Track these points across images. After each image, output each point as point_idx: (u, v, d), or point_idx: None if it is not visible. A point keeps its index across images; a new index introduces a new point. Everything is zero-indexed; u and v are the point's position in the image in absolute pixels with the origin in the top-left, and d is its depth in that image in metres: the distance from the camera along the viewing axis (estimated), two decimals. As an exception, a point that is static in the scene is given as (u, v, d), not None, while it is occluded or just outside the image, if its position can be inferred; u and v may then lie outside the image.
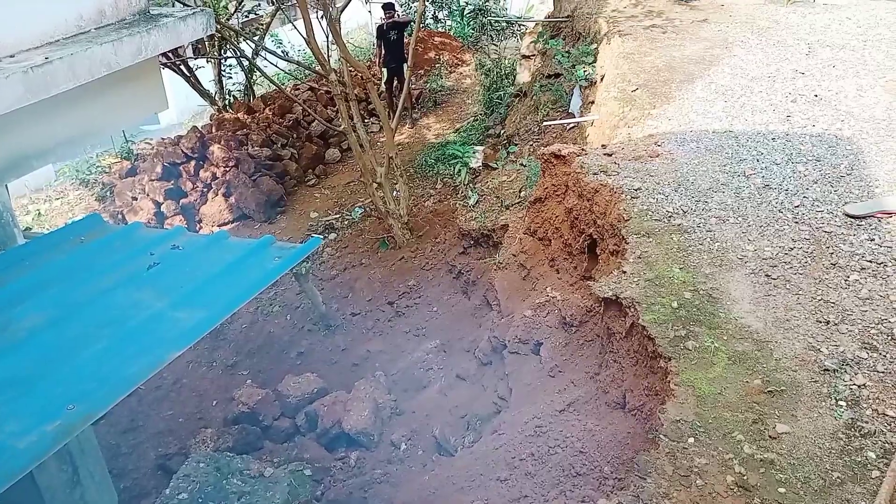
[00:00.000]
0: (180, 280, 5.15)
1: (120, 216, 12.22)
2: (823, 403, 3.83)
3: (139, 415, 9.02)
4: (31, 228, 11.25)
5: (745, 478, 3.45)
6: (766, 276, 4.81)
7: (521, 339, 6.70)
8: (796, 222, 5.32)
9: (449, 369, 8.79)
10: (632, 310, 4.74)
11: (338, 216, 12.28)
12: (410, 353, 9.59)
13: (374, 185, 10.73)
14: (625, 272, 5.05)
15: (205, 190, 12.44)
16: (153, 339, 4.49)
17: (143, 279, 5.14)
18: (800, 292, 4.63)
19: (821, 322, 4.37)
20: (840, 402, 3.81)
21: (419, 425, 8.09)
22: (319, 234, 12.16)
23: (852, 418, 3.71)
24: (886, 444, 3.55)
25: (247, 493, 3.47)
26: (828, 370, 4.01)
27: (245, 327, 11.00)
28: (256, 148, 12.71)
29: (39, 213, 12.71)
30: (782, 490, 3.39)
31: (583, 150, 6.86)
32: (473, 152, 11.74)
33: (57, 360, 4.24)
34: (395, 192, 11.05)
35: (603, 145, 7.05)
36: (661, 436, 3.73)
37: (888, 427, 3.64)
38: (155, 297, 4.92)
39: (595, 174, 6.27)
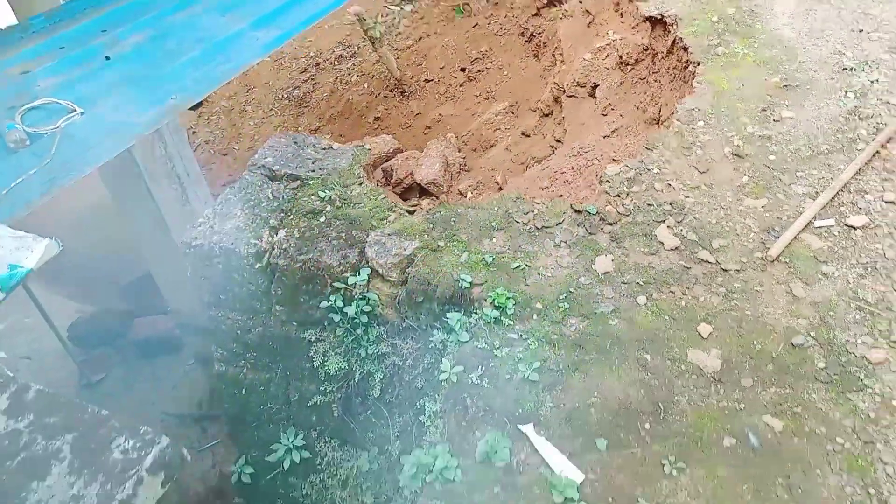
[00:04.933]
0: (257, 7, 5.93)
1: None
2: (833, 96, 4.28)
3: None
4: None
5: (741, 149, 4.06)
6: (814, -8, 5.02)
7: (578, 83, 7.19)
8: (861, -58, 5.34)
9: (515, 129, 9.45)
10: (673, 26, 5.13)
11: (414, -14, 12.45)
12: (480, 115, 10.24)
13: (450, -54, 10.78)
14: (673, -7, 5.35)
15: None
16: (237, 50, 5.40)
17: (225, 6, 5.93)
18: (842, 6, 4.86)
19: (854, 31, 4.66)
20: (849, 94, 4.25)
21: (484, 177, 8.97)
22: (395, 5, 12.47)
23: (856, 106, 4.17)
24: (880, 125, 4.02)
25: (319, 158, 4.41)
26: (846, 69, 4.40)
27: (326, 95, 11.88)
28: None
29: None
30: (772, 157, 3.99)
31: None
32: None
33: (159, 66, 5.24)
34: (471, -44, 11.07)
35: None
36: (674, 120, 4.33)
37: (887, 112, 4.09)
38: (236, 21, 5.77)
39: None
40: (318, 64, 12.59)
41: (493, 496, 2.86)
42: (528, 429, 3.07)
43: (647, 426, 3.04)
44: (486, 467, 2.96)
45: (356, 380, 3.98)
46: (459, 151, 9.94)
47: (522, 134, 9.13)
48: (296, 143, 4.55)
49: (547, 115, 8.35)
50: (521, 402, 3.15)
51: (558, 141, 7.57)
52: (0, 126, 4.41)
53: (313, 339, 3.99)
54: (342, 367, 3.94)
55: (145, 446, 2.31)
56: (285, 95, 12.46)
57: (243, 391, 4.33)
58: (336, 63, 12.46)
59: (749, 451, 2.92)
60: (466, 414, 3.16)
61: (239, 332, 4.17)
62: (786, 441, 2.94)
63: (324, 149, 4.55)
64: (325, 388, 4.09)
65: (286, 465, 4.19)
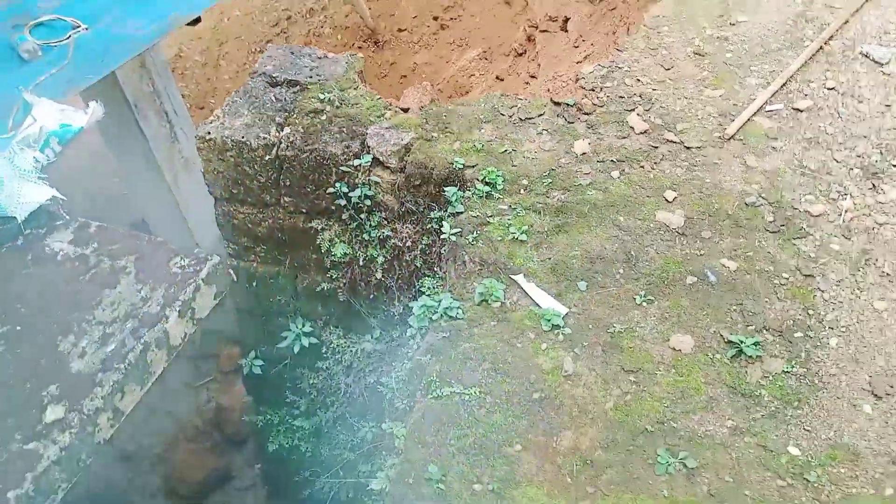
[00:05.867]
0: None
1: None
2: (783, 2, 4.83)
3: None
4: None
5: (701, 48, 4.59)
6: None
7: (550, 17, 7.66)
8: None
9: (490, 73, 9.90)
10: (638, -51, 5.61)
11: (383, -61, 12.73)
12: (454, 62, 10.66)
13: None
14: (638, -79, 5.81)
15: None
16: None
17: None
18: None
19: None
20: (797, 0, 4.78)
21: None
22: (366, -43, 12.74)
23: (803, 10, 4.73)
24: (824, 25, 4.57)
25: (316, 66, 4.82)
26: (795, -20, 4.93)
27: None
28: None
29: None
30: (729, 55, 4.52)
31: None
32: None
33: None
34: None
35: None
36: (640, 26, 4.83)
37: (830, 14, 4.64)
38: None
39: None
40: (289, 17, 12.82)
41: (491, 328, 3.36)
42: (518, 277, 3.57)
43: (620, 271, 3.56)
44: (483, 308, 3.45)
45: (360, 265, 4.44)
46: (436, 98, 10.32)
47: (497, 78, 9.57)
48: (292, 53, 4.95)
49: (520, 55, 8.81)
50: (511, 258, 3.65)
51: (532, 77, 8.04)
52: (11, 40, 4.73)
53: (320, 227, 4.42)
54: (347, 252, 4.39)
55: (199, 263, 2.74)
56: (259, 49, 12.64)
57: (254, 284, 4.76)
58: (308, 16, 12.72)
59: (708, 286, 3.46)
60: (465, 268, 3.64)
61: (250, 225, 4.59)
62: (739, 277, 3.48)
63: (319, 58, 4.95)
64: (331, 275, 4.54)
65: (296, 349, 4.65)
